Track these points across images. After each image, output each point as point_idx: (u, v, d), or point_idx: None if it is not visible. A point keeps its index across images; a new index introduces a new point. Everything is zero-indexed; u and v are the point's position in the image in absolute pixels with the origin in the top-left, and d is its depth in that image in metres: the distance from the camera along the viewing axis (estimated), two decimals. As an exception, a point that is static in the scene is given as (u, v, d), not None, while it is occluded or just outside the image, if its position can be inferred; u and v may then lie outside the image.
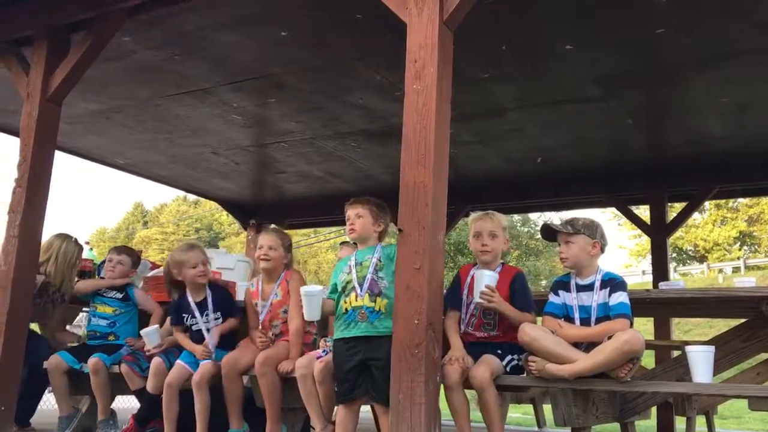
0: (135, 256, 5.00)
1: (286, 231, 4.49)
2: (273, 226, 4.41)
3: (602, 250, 3.28)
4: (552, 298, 3.31)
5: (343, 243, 4.49)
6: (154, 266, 5.43)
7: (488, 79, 4.97)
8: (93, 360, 4.45)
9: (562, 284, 3.33)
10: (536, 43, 4.45)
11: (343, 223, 3.59)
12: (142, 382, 4.25)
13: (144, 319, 4.77)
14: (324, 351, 3.65)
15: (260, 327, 4.03)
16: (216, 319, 4.24)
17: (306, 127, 6.13)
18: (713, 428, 6.23)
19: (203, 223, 47.99)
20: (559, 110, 5.55)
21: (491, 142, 6.31)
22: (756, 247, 34.15)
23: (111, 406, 4.57)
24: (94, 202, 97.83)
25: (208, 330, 4.16)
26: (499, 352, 3.31)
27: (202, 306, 4.24)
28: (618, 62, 4.72)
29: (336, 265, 3.67)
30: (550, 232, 3.38)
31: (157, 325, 4.37)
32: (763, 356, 5.24)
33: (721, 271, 28.89)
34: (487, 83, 5.04)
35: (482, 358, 3.25)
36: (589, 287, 3.22)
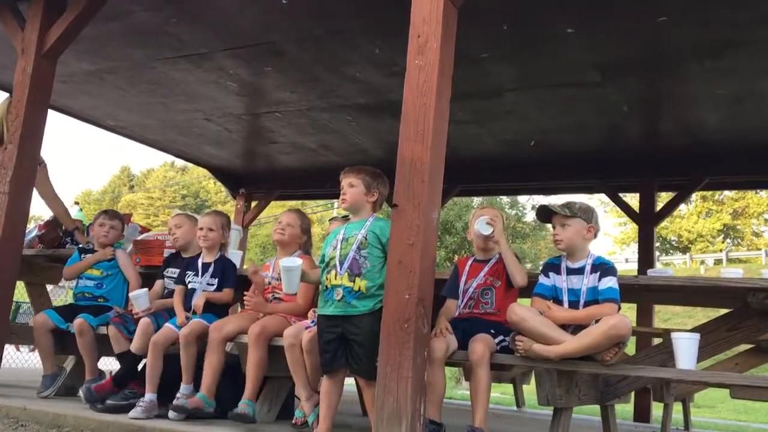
0: (124, 222, 5.01)
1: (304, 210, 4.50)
2: (297, 207, 4.44)
3: (595, 235, 3.31)
4: (542, 279, 3.34)
5: (332, 219, 4.46)
6: (144, 230, 5.41)
7: (488, 58, 4.96)
8: (78, 321, 4.44)
9: (552, 266, 3.36)
10: (538, 25, 4.43)
11: (333, 196, 3.57)
12: (127, 344, 4.26)
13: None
14: (313, 321, 3.67)
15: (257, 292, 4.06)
16: (210, 284, 4.29)
17: (301, 98, 6.09)
18: (689, 415, 6.35)
19: (190, 190, 47.74)
20: (556, 94, 5.55)
21: (487, 122, 6.31)
22: (739, 240, 34.51)
23: (99, 367, 4.58)
24: (80, 163, 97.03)
25: (200, 292, 4.22)
26: (492, 331, 3.34)
27: (205, 268, 4.35)
28: (618, 49, 4.72)
29: (328, 234, 3.65)
30: (546, 214, 3.40)
31: (146, 288, 4.37)
32: (742, 347, 5.34)
33: (703, 262, 29.22)
34: (486, 63, 5.03)
35: (479, 336, 3.29)
36: (580, 271, 3.25)
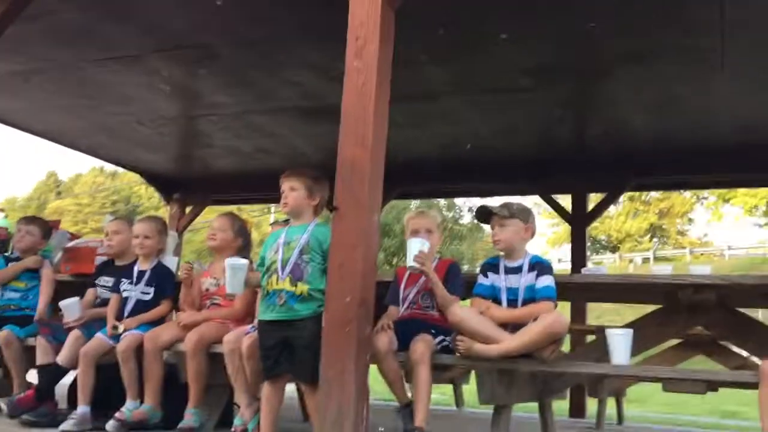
0: (45, 227, 4.82)
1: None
2: (229, 211, 4.35)
3: (532, 236, 3.38)
4: (481, 279, 3.39)
5: (273, 223, 4.41)
6: (74, 237, 5.23)
7: (424, 62, 4.99)
8: (3, 333, 4.29)
9: (491, 266, 3.41)
10: (473, 29, 4.49)
11: (270, 200, 3.52)
12: (54, 356, 4.11)
13: (58, 290, 4.59)
14: (252, 327, 3.62)
15: (192, 302, 3.98)
16: (145, 293, 4.19)
17: (237, 101, 6.00)
18: (622, 410, 6.54)
19: (121, 195, 46.43)
20: (491, 98, 5.64)
21: (424, 125, 6.35)
22: (665, 239, 35.89)
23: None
24: (3, 169, 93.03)
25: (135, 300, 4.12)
26: (433, 331, 3.37)
27: (140, 276, 4.25)
28: (549, 54, 4.82)
29: (267, 236, 3.60)
30: (485, 215, 3.45)
31: (77, 298, 4.23)
32: (671, 343, 5.54)
33: (632, 261, 30.23)
34: (423, 66, 5.06)
35: (419, 336, 3.31)
36: (518, 270, 3.31)
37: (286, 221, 3.62)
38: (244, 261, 3.34)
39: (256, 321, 3.71)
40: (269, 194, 7.40)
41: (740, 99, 5.29)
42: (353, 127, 3.02)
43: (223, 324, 3.86)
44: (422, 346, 3.25)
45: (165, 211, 9.85)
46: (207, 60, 5.15)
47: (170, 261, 4.55)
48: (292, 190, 3.41)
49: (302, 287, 3.22)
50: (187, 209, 9.07)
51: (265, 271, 3.36)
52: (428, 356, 3.24)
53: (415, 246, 3.36)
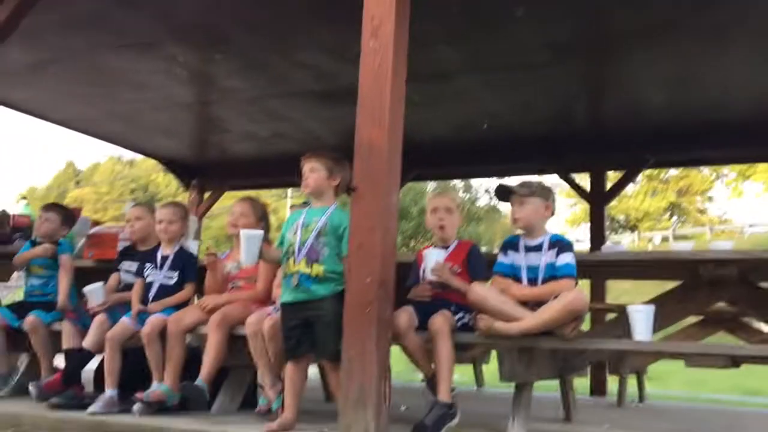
0: (65, 214, 4.87)
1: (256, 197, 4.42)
2: (248, 196, 4.37)
3: (552, 213, 3.38)
4: (501, 258, 3.39)
5: (292, 206, 4.43)
6: (95, 223, 5.29)
7: (439, 41, 4.96)
8: (30, 318, 4.37)
9: (511, 245, 3.41)
10: (488, 6, 4.45)
11: (286, 186, 3.52)
12: (80, 341, 4.17)
13: (81, 276, 4.65)
14: (275, 308, 3.65)
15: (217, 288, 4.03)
16: (169, 278, 4.23)
17: (252, 86, 6.00)
18: (643, 387, 6.53)
19: (139, 183, 46.78)
20: (506, 75, 5.59)
21: (439, 105, 6.32)
22: (684, 217, 35.55)
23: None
24: (23, 159, 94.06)
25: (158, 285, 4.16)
26: (453, 308, 3.38)
27: (164, 260, 4.28)
28: (566, 30, 4.77)
29: (289, 216, 3.62)
30: (505, 193, 3.44)
31: (101, 283, 4.28)
32: (689, 321, 5.52)
33: (650, 240, 30.00)
34: (437, 45, 5.03)
35: (438, 312, 3.32)
36: (538, 248, 3.31)
37: (305, 204, 3.63)
38: (259, 232, 3.37)
39: (278, 302, 3.74)
40: (286, 179, 7.42)
41: (756, 74, 5.21)
42: (370, 108, 3.02)
43: (245, 305, 3.89)
44: (441, 319, 3.27)
45: (183, 198, 9.92)
46: (221, 44, 5.16)
47: (192, 245, 4.60)
48: (313, 171, 3.43)
49: (318, 268, 3.26)
50: (206, 195, 9.13)
51: (284, 253, 3.40)
52: (447, 328, 3.25)
53: (432, 258, 3.41)
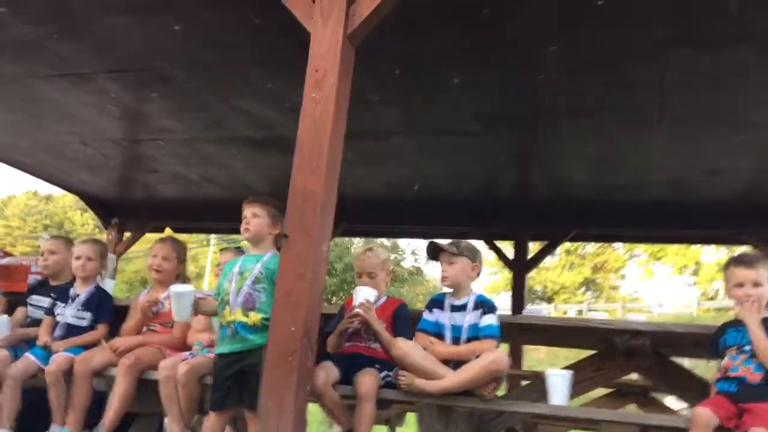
0: None
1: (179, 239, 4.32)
2: (169, 235, 4.26)
3: (478, 274, 3.44)
4: (426, 315, 3.41)
5: (223, 249, 4.32)
6: (6, 254, 5.04)
7: (377, 101, 5.07)
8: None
9: (436, 302, 3.44)
10: (428, 73, 4.59)
11: (211, 231, 3.45)
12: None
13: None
14: (190, 354, 3.54)
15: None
16: (80, 317, 4.06)
17: (186, 127, 5.94)
18: (554, 456, 6.58)
19: (54, 220, 44.91)
20: (440, 140, 5.74)
21: (373, 164, 6.41)
22: (598, 293, 36.78)
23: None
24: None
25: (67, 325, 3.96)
26: (377, 366, 3.35)
27: (75, 299, 4.12)
28: (499, 102, 4.97)
29: (224, 267, 3.54)
30: (435, 251, 3.49)
31: (6, 316, 4.05)
32: (601, 392, 5.65)
33: (565, 312, 30.77)
34: (376, 105, 5.13)
35: (366, 370, 3.30)
36: (463, 308, 3.35)
37: (238, 249, 3.58)
38: (190, 288, 3.30)
39: (194, 348, 3.64)
40: (212, 224, 7.30)
41: (675, 156, 5.53)
42: (308, 155, 3.03)
43: (159, 350, 3.75)
44: (370, 380, 3.23)
45: (99, 238, 9.58)
46: (159, 83, 5.10)
47: (108, 284, 4.43)
48: (255, 216, 3.39)
49: (255, 317, 3.19)
50: (125, 235, 8.86)
51: (220, 302, 3.32)
52: (375, 391, 3.22)
53: (362, 294, 3.42)
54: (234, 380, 3.19)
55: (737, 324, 3.02)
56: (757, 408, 2.76)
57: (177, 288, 3.32)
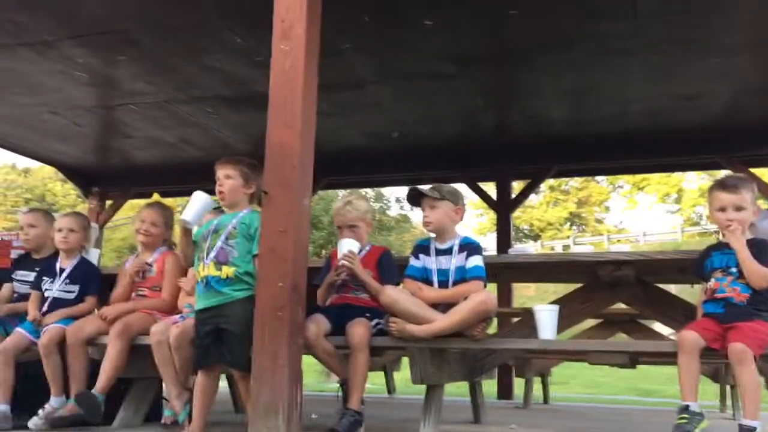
0: None
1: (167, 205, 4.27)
2: (156, 200, 4.22)
3: (462, 217, 3.44)
4: (413, 261, 3.43)
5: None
6: (-14, 232, 4.98)
7: (349, 50, 4.99)
8: None
9: (422, 248, 3.45)
10: (398, 16, 4.51)
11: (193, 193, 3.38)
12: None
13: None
14: (181, 317, 3.55)
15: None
16: (68, 291, 4.02)
17: (158, 90, 5.84)
18: (548, 390, 6.75)
19: (34, 193, 44.41)
20: (415, 85, 5.69)
21: (350, 114, 6.35)
22: (584, 227, 37.18)
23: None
24: None
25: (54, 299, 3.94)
26: (368, 315, 3.38)
27: (62, 272, 4.06)
28: (472, 42, 4.90)
29: (204, 223, 3.51)
30: (416, 197, 3.48)
31: (-8, 293, 4.04)
32: (591, 323, 5.77)
33: (552, 248, 31.14)
34: (348, 54, 5.06)
35: (357, 320, 3.31)
36: (448, 251, 3.36)
37: (218, 209, 3.55)
38: (211, 199, 3.28)
39: (185, 311, 3.65)
40: (194, 186, 7.24)
41: (652, 86, 5.52)
42: (281, 109, 2.99)
43: (150, 314, 3.76)
44: (361, 329, 3.25)
45: (82, 208, 9.50)
46: (126, 46, 4.99)
47: (93, 254, 4.40)
48: (228, 177, 3.35)
49: (228, 270, 3.19)
50: (107, 203, 8.79)
51: (196, 259, 3.32)
52: (367, 340, 3.25)
53: (345, 246, 3.42)
54: (213, 337, 3.20)
55: (722, 247, 3.05)
56: (742, 325, 2.81)
57: (201, 193, 3.29)
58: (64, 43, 4.97)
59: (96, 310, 4.14)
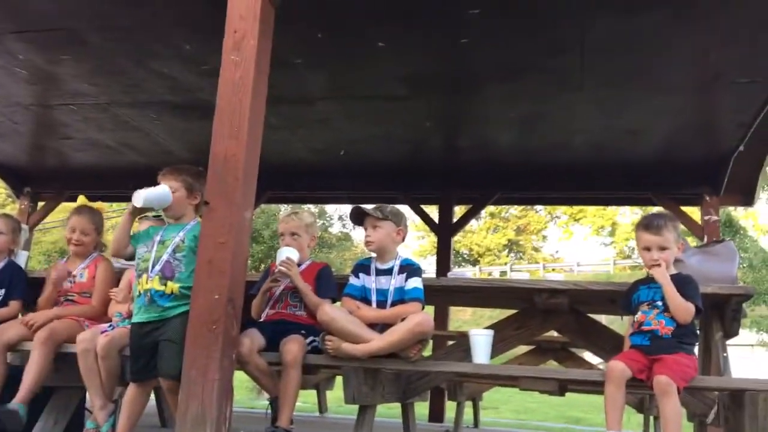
0: None
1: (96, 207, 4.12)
2: (84, 204, 4.04)
3: (403, 239, 3.46)
4: (352, 280, 3.42)
5: (143, 217, 4.12)
6: None
7: (301, 65, 4.98)
8: None
9: (362, 267, 3.45)
10: (351, 35, 4.54)
11: (131, 199, 3.27)
12: None
13: None
14: (110, 325, 3.44)
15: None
16: None
17: (101, 91, 5.69)
18: (479, 414, 6.81)
19: (-39, 191, 42.55)
20: (366, 104, 5.72)
21: (298, 129, 6.33)
22: (521, 254, 37.88)
23: None
24: None
25: None
26: (303, 332, 3.34)
27: None
28: (424, 65, 4.96)
29: (145, 228, 3.40)
30: (359, 216, 3.48)
31: None
32: (522, 349, 5.86)
33: (490, 274, 31.57)
34: (300, 69, 5.05)
35: (292, 336, 3.27)
36: (388, 272, 3.37)
37: (158, 217, 3.46)
38: (169, 194, 3.20)
39: (114, 319, 3.55)
40: (132, 192, 7.06)
41: (595, 119, 5.69)
42: (228, 120, 2.96)
43: (77, 321, 3.63)
44: (296, 347, 3.22)
45: (12, 209, 9.14)
46: (72, 45, 4.85)
47: (21, 256, 4.24)
48: (172, 191, 3.26)
49: (172, 286, 3.11)
50: (40, 204, 8.50)
51: (137, 269, 3.22)
52: (301, 358, 3.22)
53: (284, 253, 3.42)
54: (151, 351, 3.12)
55: (648, 281, 3.15)
56: (667, 358, 2.90)
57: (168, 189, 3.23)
58: (6, 37, 4.80)
59: (21, 314, 3.99)
